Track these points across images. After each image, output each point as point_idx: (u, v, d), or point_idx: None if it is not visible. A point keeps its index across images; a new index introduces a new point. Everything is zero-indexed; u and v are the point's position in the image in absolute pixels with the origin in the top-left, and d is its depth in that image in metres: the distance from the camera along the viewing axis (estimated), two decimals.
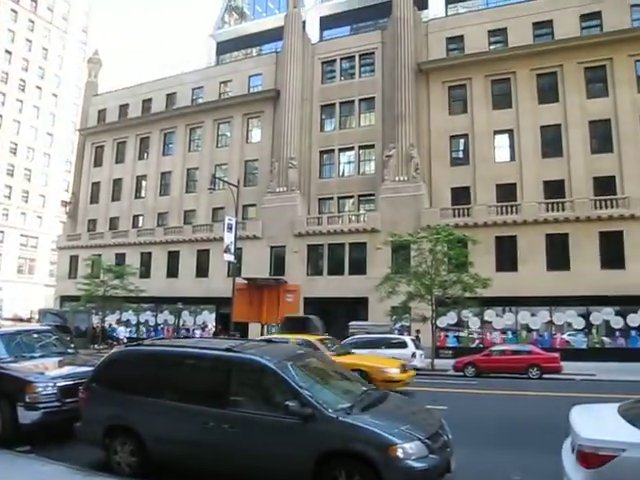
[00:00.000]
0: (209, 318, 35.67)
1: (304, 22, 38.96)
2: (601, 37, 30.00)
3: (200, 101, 40.81)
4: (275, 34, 41.26)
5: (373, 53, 34.69)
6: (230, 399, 5.94)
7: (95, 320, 33.60)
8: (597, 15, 30.71)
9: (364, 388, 6.62)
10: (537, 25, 31.64)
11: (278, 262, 33.74)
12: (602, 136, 29.54)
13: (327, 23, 41.92)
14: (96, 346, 30.03)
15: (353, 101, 34.71)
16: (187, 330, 35.27)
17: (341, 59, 35.82)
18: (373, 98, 34.16)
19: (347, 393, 6.23)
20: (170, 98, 42.06)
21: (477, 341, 29.14)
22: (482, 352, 23.02)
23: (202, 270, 35.93)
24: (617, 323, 27.16)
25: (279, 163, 34.96)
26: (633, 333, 26.92)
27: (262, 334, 28.73)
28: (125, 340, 30.88)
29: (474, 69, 31.66)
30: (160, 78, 43.67)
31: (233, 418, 5.79)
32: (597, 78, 30.29)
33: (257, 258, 33.84)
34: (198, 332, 33.91)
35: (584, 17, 30.92)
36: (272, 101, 37.27)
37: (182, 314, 35.92)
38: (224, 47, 49.10)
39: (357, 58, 35.21)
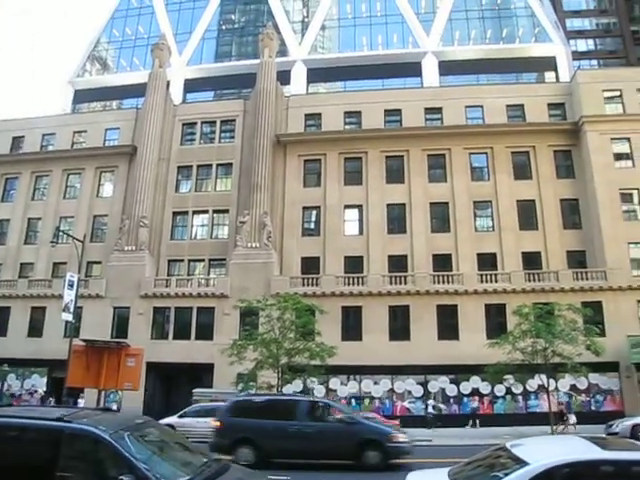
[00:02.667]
0: (40, 382, 37.25)
1: (168, 82, 45.50)
2: (442, 129, 39.85)
3: (50, 148, 44.49)
4: (137, 90, 47.25)
5: (234, 120, 41.70)
6: (57, 475, 5.97)
7: None
8: (438, 110, 40.60)
9: (205, 460, 7.11)
10: (388, 112, 40.71)
11: (121, 324, 36.83)
12: (441, 217, 38.30)
13: (191, 86, 49.13)
14: None
15: (211, 165, 40.96)
16: (13, 396, 36.66)
17: (202, 122, 42.32)
18: (231, 164, 40.69)
19: (187, 465, 6.70)
20: (16, 141, 45.21)
21: None
22: None
23: (35, 329, 37.84)
24: (452, 391, 34.18)
25: (130, 221, 38.99)
26: (465, 400, 34.18)
27: (99, 402, 31.70)
28: None
29: (329, 146, 39.59)
30: (7, 119, 46.82)
31: None
32: (438, 165, 39.51)
33: (98, 318, 36.52)
34: (27, 398, 35.63)
35: (428, 110, 40.57)
36: (128, 157, 42.09)
37: (8, 377, 37.06)
38: (82, 96, 53.90)
39: (218, 123, 41.95)
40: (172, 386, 36.19)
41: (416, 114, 40.39)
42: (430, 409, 32.91)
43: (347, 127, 41.17)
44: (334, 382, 34.54)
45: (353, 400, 34.48)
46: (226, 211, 40.20)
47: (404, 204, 38.61)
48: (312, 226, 39.60)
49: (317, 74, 47.86)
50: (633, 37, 62.18)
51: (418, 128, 39.78)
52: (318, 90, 47.36)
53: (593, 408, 33.21)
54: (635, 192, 37.04)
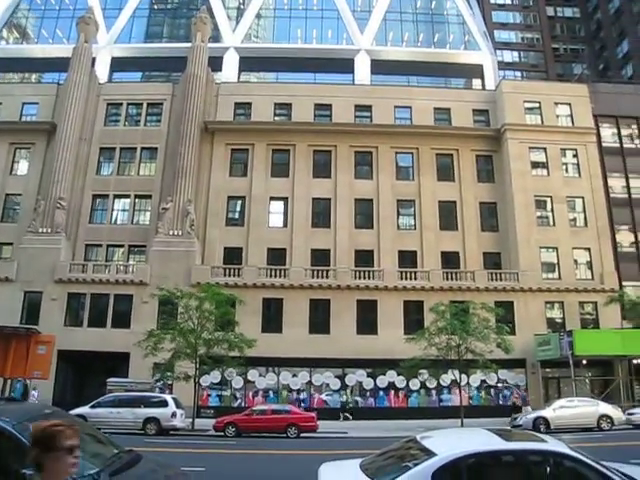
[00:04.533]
0: None
1: (94, 59, 43.96)
2: (370, 127, 40.49)
3: None
4: (60, 64, 44.95)
5: (162, 104, 40.69)
6: None
7: None
8: (368, 108, 41.27)
9: (116, 451, 6.90)
10: (318, 106, 41.01)
11: (32, 309, 35.16)
12: (365, 213, 39.01)
13: (118, 65, 47.57)
14: None
15: (135, 148, 39.82)
16: None
17: (128, 104, 41.06)
18: (156, 148, 39.72)
19: (96, 457, 6.46)
20: None
21: (239, 400, 34.15)
22: (243, 412, 26.96)
23: None
24: (368, 384, 34.90)
25: (46, 202, 37.27)
26: (381, 393, 34.99)
27: (4, 391, 30.24)
28: None
29: (258, 136, 39.41)
30: None
31: None
32: (365, 162, 40.23)
33: (7, 303, 34.48)
34: None
35: (358, 107, 41.19)
36: (46, 134, 40.19)
37: None
38: None
39: (145, 106, 40.79)
40: (86, 375, 35.07)
41: (346, 110, 40.92)
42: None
43: (277, 118, 41.16)
44: (252, 374, 34.61)
45: (271, 392, 34.68)
46: (149, 196, 39.27)
47: (329, 199, 39.10)
48: (236, 216, 39.38)
49: (249, 63, 47.53)
50: (554, 54, 65.64)
51: (347, 124, 40.31)
52: (250, 79, 47.10)
53: (501, 402, 34.99)
54: (549, 199, 39.14)
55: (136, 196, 39.43)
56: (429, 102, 41.57)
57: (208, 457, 16.08)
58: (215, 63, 44.07)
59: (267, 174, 39.44)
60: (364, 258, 37.92)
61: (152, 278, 35.11)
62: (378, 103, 41.29)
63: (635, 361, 34.71)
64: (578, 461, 6.09)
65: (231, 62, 47.76)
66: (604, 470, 6.00)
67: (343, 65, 47.68)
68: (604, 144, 41.61)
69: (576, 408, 26.49)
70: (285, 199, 39.07)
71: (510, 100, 40.99)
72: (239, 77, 46.70)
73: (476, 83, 50.02)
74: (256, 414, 25.61)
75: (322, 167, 39.90)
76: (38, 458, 2.79)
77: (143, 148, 40.20)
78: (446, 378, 33.00)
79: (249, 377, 34.61)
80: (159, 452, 13.95)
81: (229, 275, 35.96)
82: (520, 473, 6.31)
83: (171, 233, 36.73)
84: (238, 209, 39.49)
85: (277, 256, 37.58)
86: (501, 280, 36.72)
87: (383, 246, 38.19)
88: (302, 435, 24.47)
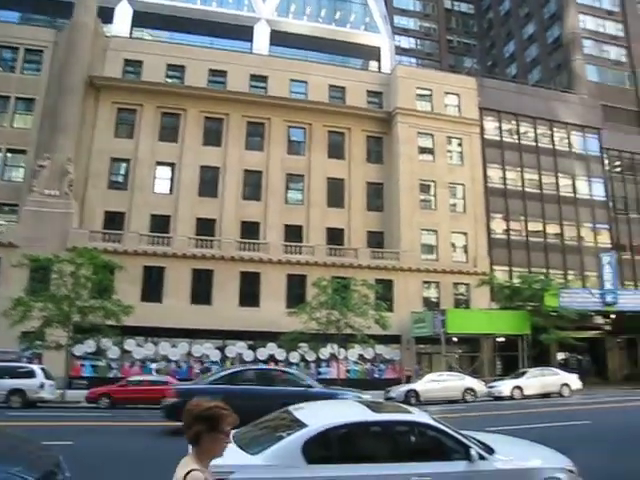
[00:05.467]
0: None
1: None
2: (265, 98, 40.01)
3: None
4: None
5: (42, 51, 37.47)
6: None
7: None
8: (264, 79, 40.80)
9: None
10: (213, 72, 39.88)
11: None
12: (254, 185, 38.75)
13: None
14: None
15: (8, 97, 36.55)
16: None
17: (2, 47, 37.66)
18: (33, 100, 36.71)
19: None
20: None
21: (115, 371, 32.99)
22: (119, 382, 26.07)
23: None
24: (248, 356, 35.00)
25: None
26: (261, 365, 35.37)
27: None
28: None
29: (147, 97, 37.66)
30: None
31: None
32: (257, 133, 39.77)
33: None
34: None
35: (253, 77, 40.61)
36: None
37: None
38: None
39: (22, 51, 37.34)
40: None
41: (241, 79, 40.19)
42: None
43: (169, 80, 39.61)
44: (130, 343, 33.68)
45: (149, 363, 33.84)
46: (23, 151, 36.38)
47: (218, 168, 38.44)
48: (120, 179, 37.65)
49: (144, 18, 45.02)
50: (448, 45, 68.26)
51: (241, 93, 39.62)
52: (143, 36, 44.77)
53: (376, 375, 36.45)
54: (432, 184, 40.92)
55: (8, 150, 36.47)
56: (325, 79, 41.81)
57: (78, 430, 15.40)
58: (106, 14, 41.52)
59: (155, 138, 37.96)
60: (250, 230, 37.78)
61: (24, 240, 32.46)
62: (274, 75, 40.89)
63: (499, 339, 37.35)
64: (439, 430, 6.58)
65: (124, 15, 45.03)
66: (461, 438, 6.53)
67: (242, 32, 46.52)
68: (486, 136, 44.06)
69: (444, 382, 28.26)
70: (172, 165, 37.89)
71: (403, 85, 42.14)
72: (131, 33, 44.22)
73: (373, 65, 50.78)
74: (132, 385, 24.93)
75: (213, 135, 39.04)
76: (199, 434, 2.93)
77: (18, 98, 36.92)
78: (325, 352, 33.95)
79: (126, 347, 33.59)
80: (23, 426, 13.28)
81: (109, 240, 34.45)
82: (387, 443, 6.57)
83: (47, 193, 34.41)
84: (122, 172, 37.74)
85: (161, 223, 36.49)
86: (383, 259, 37.99)
87: (270, 219, 38.23)
88: None
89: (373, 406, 7.35)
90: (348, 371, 35.60)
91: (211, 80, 40.09)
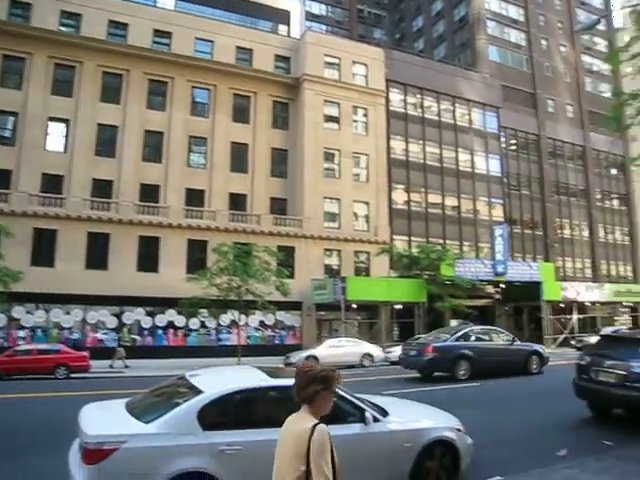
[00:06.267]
0: None
1: None
2: (168, 55, 38.29)
3: None
4: None
5: None
6: None
7: None
8: (168, 35, 38.96)
9: None
10: (113, 24, 37.55)
11: None
12: (154, 146, 37.31)
13: None
14: None
15: None
16: None
17: None
18: None
19: None
20: None
21: (1, 340, 31.01)
22: (5, 352, 24.93)
23: None
24: (147, 323, 34.24)
25: None
26: (160, 332, 34.53)
27: None
28: None
29: (38, 45, 34.67)
30: None
31: None
32: (159, 92, 38.13)
33: None
34: None
35: (157, 32, 38.63)
36: None
37: None
38: None
39: None
40: None
41: (144, 33, 38.21)
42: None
43: (63, 29, 36.81)
44: (18, 310, 31.77)
45: (39, 330, 32.22)
46: None
47: (117, 126, 36.68)
48: (6, 134, 34.85)
49: None
50: (358, 14, 68.38)
51: (143, 49, 37.69)
52: None
53: (277, 342, 36.77)
54: (337, 153, 41.22)
55: None
56: (232, 40, 40.63)
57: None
58: None
59: (47, 90, 35.35)
60: (150, 193, 36.59)
61: None
62: (179, 32, 39.20)
63: (396, 306, 38.64)
64: (336, 395, 6.61)
65: None
66: (357, 402, 6.79)
67: None
68: (391, 108, 44.83)
69: (343, 347, 29.03)
70: (67, 121, 35.62)
71: (312, 51, 41.83)
72: None
73: (282, 30, 49.88)
74: (20, 355, 24.22)
75: (111, 91, 36.99)
76: (316, 393, 3.25)
77: None
78: (226, 318, 33.74)
79: (14, 314, 31.65)
80: None
81: None
82: (284, 407, 6.44)
83: None
84: (9, 126, 34.96)
85: (53, 183, 34.41)
86: (285, 226, 38.08)
87: (171, 182, 37.16)
88: (73, 376, 23.71)
89: (271, 371, 7.37)
90: (249, 337, 35.71)
91: (111, 32, 37.77)
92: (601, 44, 62.09)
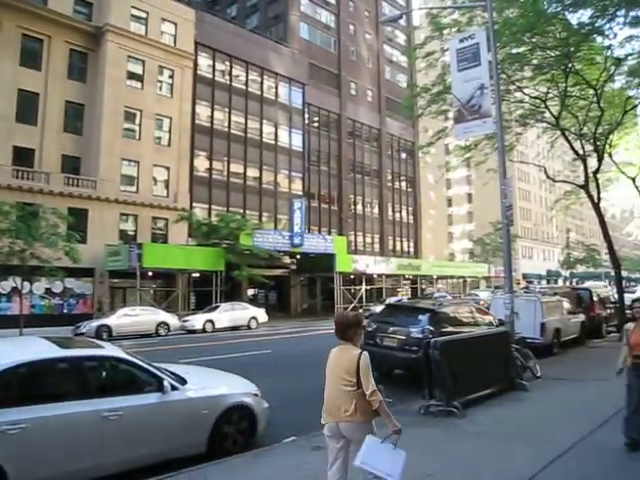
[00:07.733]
0: None
1: None
2: (42, 10, 35.05)
3: None
4: None
5: None
6: None
7: None
8: None
9: None
10: None
11: None
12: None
13: None
14: None
15: None
16: None
17: None
18: None
19: None
20: None
21: None
22: None
23: None
24: None
25: None
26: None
27: None
28: None
29: None
30: None
31: None
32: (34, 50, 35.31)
33: None
34: None
35: None
36: None
37: None
38: None
39: None
40: None
41: None
42: None
43: None
44: None
45: None
46: None
47: None
48: None
49: None
50: None
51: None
52: None
53: (66, 311, 34.80)
54: (139, 113, 39.59)
55: None
56: None
57: None
58: None
59: None
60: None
61: None
62: None
63: (194, 275, 38.79)
64: (131, 364, 6.85)
65: None
66: (154, 370, 6.91)
67: None
68: (199, 72, 44.14)
69: (138, 316, 28.50)
70: None
71: (117, 1, 39.31)
72: None
73: None
74: None
75: None
76: (355, 333, 4.83)
77: None
78: (6, 285, 31.12)
79: None
80: None
81: None
82: (76, 380, 6.40)
83: None
84: None
85: None
86: (78, 186, 35.81)
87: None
88: None
89: (61, 342, 7.14)
90: (33, 306, 33.32)
91: None
92: (401, 38, 67.19)
